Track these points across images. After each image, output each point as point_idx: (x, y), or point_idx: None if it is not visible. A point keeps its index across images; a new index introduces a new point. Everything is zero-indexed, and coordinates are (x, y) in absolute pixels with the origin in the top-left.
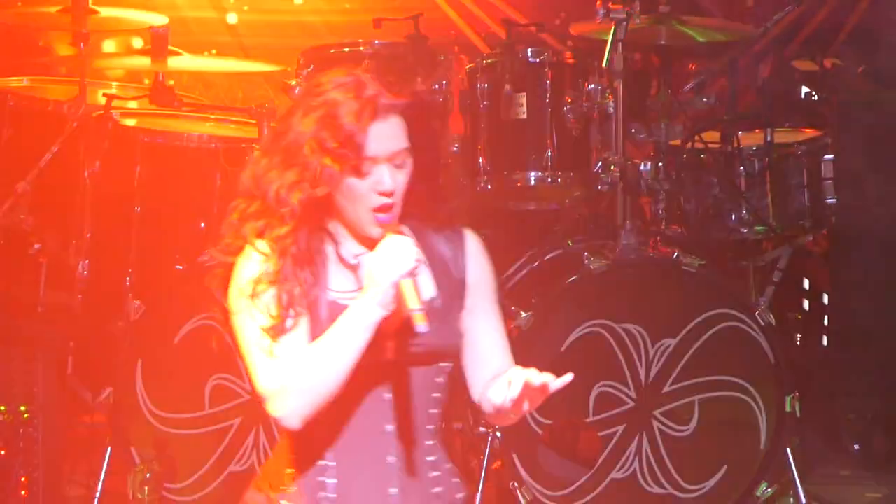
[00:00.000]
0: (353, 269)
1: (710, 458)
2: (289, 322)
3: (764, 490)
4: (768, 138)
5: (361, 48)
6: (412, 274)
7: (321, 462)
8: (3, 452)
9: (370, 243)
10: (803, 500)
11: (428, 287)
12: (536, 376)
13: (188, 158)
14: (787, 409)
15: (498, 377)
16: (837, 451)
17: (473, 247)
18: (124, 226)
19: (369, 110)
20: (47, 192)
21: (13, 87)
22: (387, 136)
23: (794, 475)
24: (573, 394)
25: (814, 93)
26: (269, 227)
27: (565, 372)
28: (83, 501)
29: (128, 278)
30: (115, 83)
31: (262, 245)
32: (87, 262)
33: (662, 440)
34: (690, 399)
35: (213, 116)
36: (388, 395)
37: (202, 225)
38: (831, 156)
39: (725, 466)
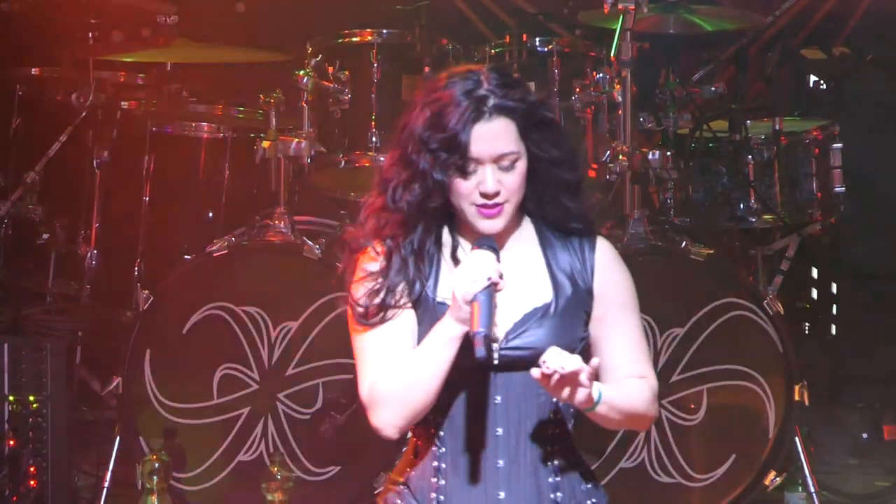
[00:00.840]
0: None
1: (719, 447)
2: (385, 322)
3: (773, 479)
4: (777, 127)
5: (370, 37)
6: (490, 291)
7: (434, 463)
8: (12, 442)
9: None
10: (812, 489)
11: (517, 304)
12: (554, 362)
13: (196, 148)
14: (796, 397)
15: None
16: (846, 439)
17: (603, 256)
18: (133, 215)
19: (474, 110)
20: (56, 181)
21: (22, 77)
22: (491, 137)
23: (802, 464)
24: None
25: (822, 81)
26: (385, 224)
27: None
28: (92, 491)
29: (136, 268)
30: (123, 73)
31: (378, 244)
32: (95, 251)
33: (671, 429)
34: (699, 388)
35: (221, 106)
36: (498, 399)
37: (210, 215)
38: (840, 145)
39: (734, 455)
